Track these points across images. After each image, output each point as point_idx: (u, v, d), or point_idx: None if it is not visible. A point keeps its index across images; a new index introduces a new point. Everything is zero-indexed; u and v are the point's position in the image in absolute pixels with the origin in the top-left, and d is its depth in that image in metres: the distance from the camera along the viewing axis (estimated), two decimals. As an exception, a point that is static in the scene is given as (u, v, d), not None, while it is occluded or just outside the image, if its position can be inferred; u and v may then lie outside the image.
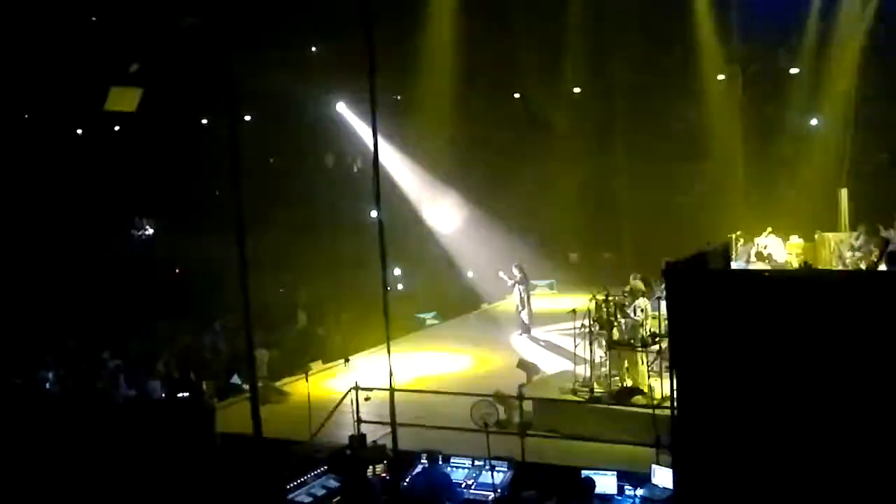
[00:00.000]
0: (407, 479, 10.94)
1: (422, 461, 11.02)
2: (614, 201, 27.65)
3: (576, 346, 13.98)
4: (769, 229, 20.78)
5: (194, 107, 27.87)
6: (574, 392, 13.52)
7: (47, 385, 17.20)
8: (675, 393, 6.51)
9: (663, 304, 11.63)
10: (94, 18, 23.66)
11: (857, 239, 18.93)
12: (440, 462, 10.95)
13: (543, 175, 27.29)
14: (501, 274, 20.20)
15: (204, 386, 16.25)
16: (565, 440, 12.18)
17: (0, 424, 14.34)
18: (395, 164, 26.09)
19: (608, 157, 26.69)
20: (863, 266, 17.83)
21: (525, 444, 11.54)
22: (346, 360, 15.01)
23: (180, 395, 15.86)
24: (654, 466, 10.15)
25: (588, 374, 13.65)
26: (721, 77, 25.20)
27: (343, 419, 13.22)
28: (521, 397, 12.45)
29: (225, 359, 18.50)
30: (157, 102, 26.21)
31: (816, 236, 20.34)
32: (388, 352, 12.61)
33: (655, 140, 25.49)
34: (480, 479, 10.79)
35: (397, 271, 24.69)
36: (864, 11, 22.58)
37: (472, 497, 10.56)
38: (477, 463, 11.01)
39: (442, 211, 27.26)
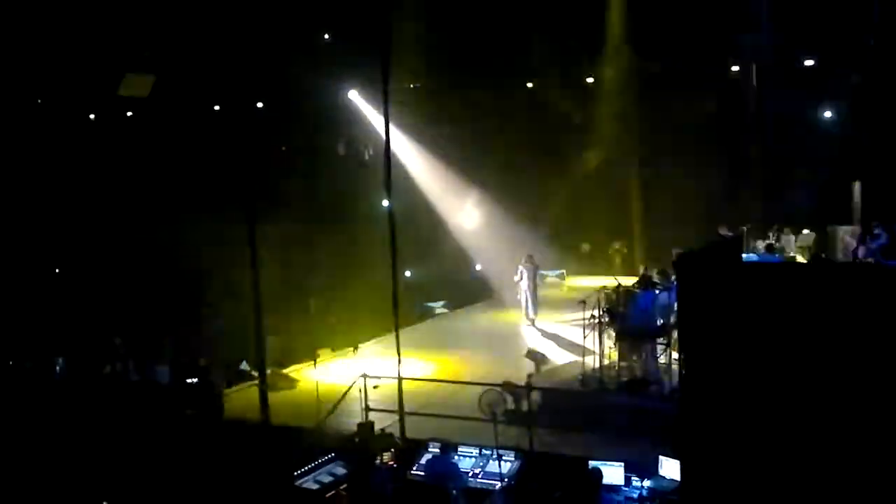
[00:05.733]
0: (414, 468, 10.96)
1: (431, 449, 11.03)
2: (627, 192, 27.57)
3: (585, 337, 13.96)
4: (781, 223, 20.73)
5: (207, 93, 27.85)
6: (582, 382, 13.52)
7: (57, 369, 17.29)
8: (683, 384, 6.48)
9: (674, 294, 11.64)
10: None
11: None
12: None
13: (556, 165, 27.21)
14: (520, 268, 20.04)
15: (212, 372, 16.30)
16: (573, 430, 12.17)
17: (9, 409, 14.43)
18: (407, 153, 26.05)
19: (621, 147, 26.57)
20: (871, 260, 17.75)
21: (533, 434, 11.54)
22: (355, 348, 15.04)
23: (189, 380, 15.91)
24: (661, 458, 10.13)
25: (597, 364, 13.64)
26: (735, 68, 25.06)
27: (351, 407, 13.25)
28: (529, 387, 12.44)
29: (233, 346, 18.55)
30: (169, 89, 26.29)
31: (828, 229, 20.24)
32: (397, 340, 12.63)
33: (667, 131, 25.38)
34: (488, 469, 10.79)
35: (408, 272, 24.57)
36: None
37: (479, 486, 10.56)
38: (485, 452, 11.01)
39: (454, 200, 27.22)
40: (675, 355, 12.25)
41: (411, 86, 26.57)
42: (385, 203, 14.09)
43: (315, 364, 14.53)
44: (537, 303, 20.05)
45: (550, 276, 24.63)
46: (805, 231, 20.91)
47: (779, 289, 5.99)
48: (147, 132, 28.55)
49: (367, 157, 30.13)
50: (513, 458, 10.84)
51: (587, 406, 12.73)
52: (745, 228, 20.41)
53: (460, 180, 26.85)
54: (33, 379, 16.78)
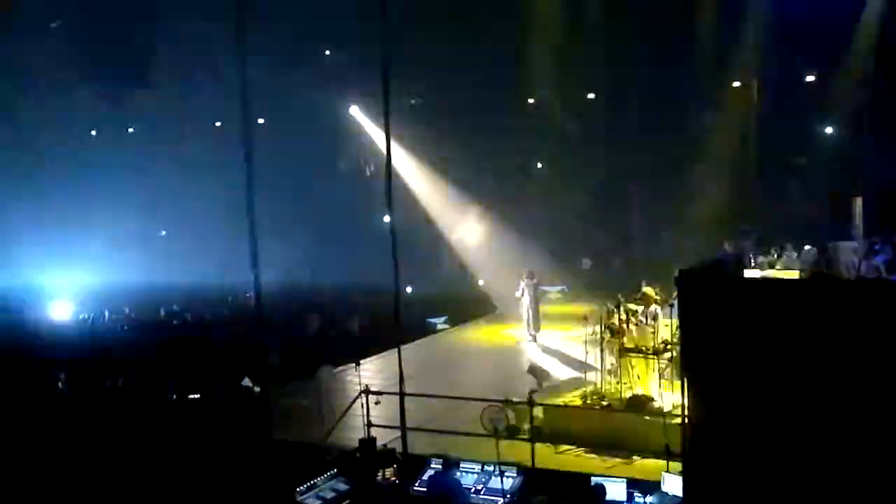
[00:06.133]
0: (416, 484, 10.93)
1: (433, 465, 11.01)
2: (627, 208, 27.58)
3: (587, 353, 13.95)
4: (782, 238, 20.68)
5: (208, 109, 27.94)
6: (584, 399, 13.49)
7: (59, 384, 17.28)
8: (686, 401, 6.48)
9: (675, 311, 11.64)
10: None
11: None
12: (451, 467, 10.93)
13: (557, 181, 27.25)
14: (522, 284, 20.08)
15: (215, 387, 16.29)
16: (575, 447, 12.15)
17: (12, 423, 14.43)
18: (409, 169, 26.10)
19: (621, 163, 26.60)
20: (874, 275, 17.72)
21: (535, 450, 11.51)
22: (357, 364, 15.01)
23: (191, 395, 15.90)
24: (664, 474, 10.11)
25: (599, 381, 13.62)
26: (736, 84, 25.11)
27: (353, 422, 13.22)
28: (531, 403, 12.42)
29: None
30: (171, 104, 26.41)
31: (830, 246, 20.20)
32: (399, 356, 12.61)
33: (669, 147, 25.41)
34: (490, 485, 10.75)
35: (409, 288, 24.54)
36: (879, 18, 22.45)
37: (481, 502, 10.53)
38: (486, 468, 10.98)
39: (455, 216, 27.25)
40: (677, 371, 12.24)
41: (412, 102, 26.66)
42: (386, 219, 14.12)
43: (317, 380, 14.53)
44: (539, 319, 20.06)
45: (552, 291, 24.61)
46: (807, 247, 20.88)
47: (781, 304, 5.99)
48: (148, 147, 28.74)
49: (367, 172, 30.20)
50: (515, 474, 10.80)
51: (589, 422, 12.72)
52: (746, 244, 20.40)
53: (462, 196, 26.89)
54: (35, 392, 16.75)
